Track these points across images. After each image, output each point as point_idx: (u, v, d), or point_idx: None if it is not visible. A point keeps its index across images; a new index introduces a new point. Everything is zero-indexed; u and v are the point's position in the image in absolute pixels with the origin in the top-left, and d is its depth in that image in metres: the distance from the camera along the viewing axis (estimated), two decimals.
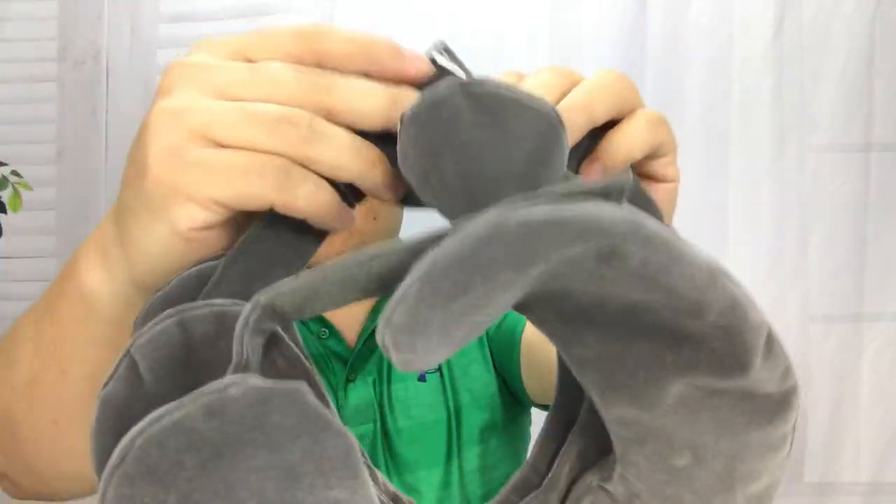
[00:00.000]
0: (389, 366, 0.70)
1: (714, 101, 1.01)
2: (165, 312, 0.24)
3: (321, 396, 0.26)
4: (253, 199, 0.25)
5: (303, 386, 0.20)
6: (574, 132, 0.29)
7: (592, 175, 0.30)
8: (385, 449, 0.68)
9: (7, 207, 1.06)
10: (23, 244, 1.06)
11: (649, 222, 0.22)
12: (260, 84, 0.25)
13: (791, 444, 0.28)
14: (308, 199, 0.25)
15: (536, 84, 0.32)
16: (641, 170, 0.33)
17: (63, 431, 0.34)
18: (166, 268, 0.27)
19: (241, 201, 0.25)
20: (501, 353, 0.72)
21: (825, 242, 1.00)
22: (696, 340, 0.24)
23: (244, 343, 0.22)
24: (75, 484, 0.38)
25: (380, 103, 0.26)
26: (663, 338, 0.24)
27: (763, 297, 1.10)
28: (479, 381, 0.73)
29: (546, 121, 0.26)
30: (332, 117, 0.25)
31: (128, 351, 0.23)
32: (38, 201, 1.06)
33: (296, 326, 0.29)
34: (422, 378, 0.71)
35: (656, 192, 0.33)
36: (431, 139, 0.25)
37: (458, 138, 0.25)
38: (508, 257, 0.20)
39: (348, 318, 0.76)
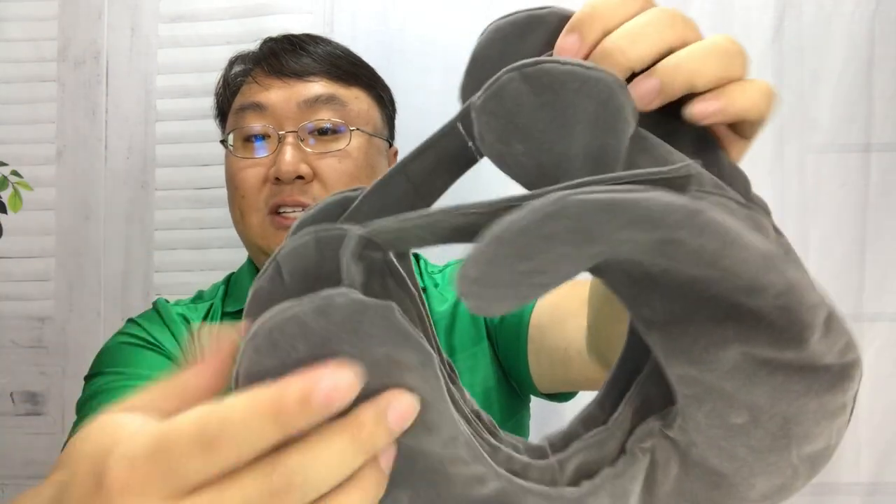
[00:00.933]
0: None
1: None
2: (306, 230, 0.28)
3: (419, 317, 0.32)
4: None
5: (392, 305, 0.24)
6: (669, 94, 0.29)
7: (647, 94, 0.28)
8: None
9: (7, 207, 1.06)
10: (23, 244, 1.06)
11: (708, 210, 0.24)
12: None
13: (851, 412, 0.29)
14: None
15: (644, 33, 0.29)
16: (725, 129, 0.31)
17: None
18: None
19: None
20: (508, 340, 0.72)
21: (825, 242, 1.00)
22: (755, 316, 0.26)
23: (346, 265, 0.26)
24: None
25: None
26: (724, 310, 0.26)
27: None
28: (478, 374, 0.73)
29: (606, 89, 0.27)
30: None
31: (275, 257, 0.28)
32: (38, 201, 1.07)
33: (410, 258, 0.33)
34: None
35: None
36: (500, 126, 0.27)
37: (522, 122, 0.27)
38: (567, 234, 0.23)
39: None
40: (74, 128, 1.06)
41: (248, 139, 0.75)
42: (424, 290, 0.79)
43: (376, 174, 0.78)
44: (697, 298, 0.27)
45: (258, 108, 0.74)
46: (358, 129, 0.75)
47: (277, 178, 0.72)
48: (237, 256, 0.99)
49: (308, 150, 0.73)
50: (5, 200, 1.06)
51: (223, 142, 0.80)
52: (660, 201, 0.23)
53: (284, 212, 0.73)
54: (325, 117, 0.73)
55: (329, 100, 0.73)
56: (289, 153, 0.71)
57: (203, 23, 1.06)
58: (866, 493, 1.00)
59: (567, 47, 0.29)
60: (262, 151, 0.74)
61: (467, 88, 0.31)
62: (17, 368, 1.06)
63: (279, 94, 0.73)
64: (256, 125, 0.74)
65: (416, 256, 0.85)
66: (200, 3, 1.05)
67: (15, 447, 1.05)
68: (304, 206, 0.72)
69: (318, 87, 0.74)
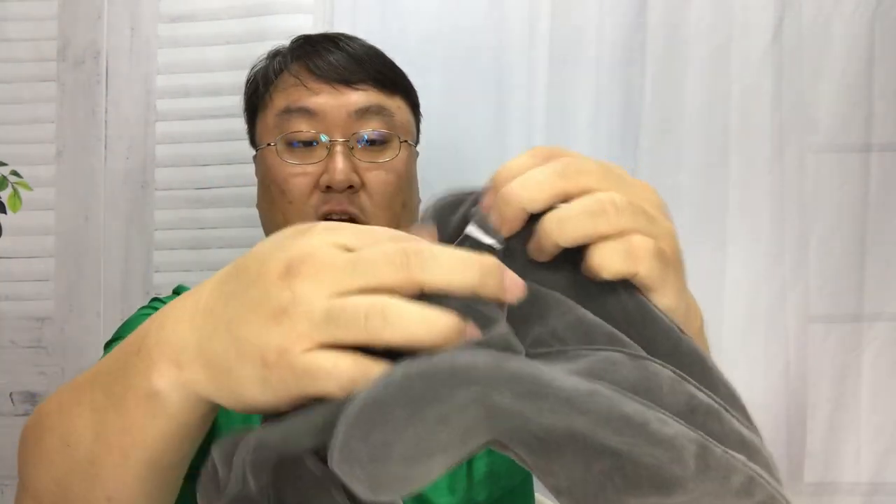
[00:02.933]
0: None
1: (714, 101, 1.01)
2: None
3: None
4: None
5: None
6: (544, 251, 0.33)
7: (533, 250, 0.33)
8: None
9: (7, 207, 1.06)
10: (23, 244, 1.06)
11: (512, 362, 0.26)
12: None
13: None
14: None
15: (537, 181, 0.33)
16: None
17: None
18: (254, 409, 0.31)
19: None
20: None
21: (825, 242, 1.00)
22: (628, 458, 0.26)
23: (245, 474, 0.29)
24: None
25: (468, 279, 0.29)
26: (605, 458, 0.27)
27: (763, 297, 1.11)
28: None
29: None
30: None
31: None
32: (38, 201, 1.07)
33: None
34: None
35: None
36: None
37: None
38: (399, 401, 0.26)
39: None
40: (74, 128, 1.06)
41: (292, 143, 0.74)
42: None
43: (414, 184, 0.79)
44: (584, 453, 0.27)
45: (307, 112, 0.73)
46: (406, 141, 0.76)
47: (328, 187, 0.72)
48: (237, 256, 0.99)
49: (357, 158, 0.73)
50: (5, 200, 1.06)
51: (254, 142, 0.79)
52: (472, 360, 0.25)
53: (332, 219, 0.73)
54: (374, 127, 0.73)
55: (379, 110, 0.74)
56: (342, 162, 0.71)
57: (203, 23, 1.06)
58: (866, 493, 1.00)
59: (485, 203, 0.34)
60: (311, 157, 0.73)
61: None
62: (16, 368, 1.06)
63: (329, 101, 0.73)
64: (307, 130, 0.73)
65: None
66: (200, 3, 1.05)
67: (15, 447, 1.04)
68: (351, 215, 0.72)
69: (367, 96, 0.74)
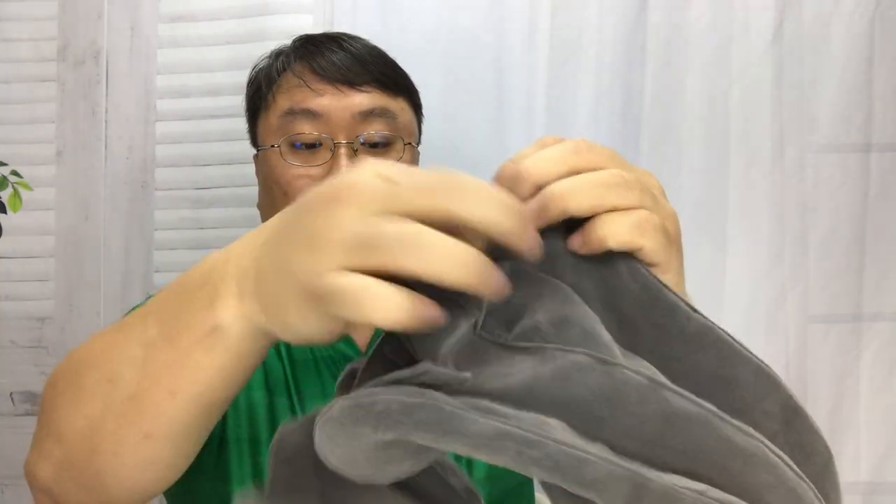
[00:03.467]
0: None
1: (714, 101, 1.01)
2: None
3: None
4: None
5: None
6: (546, 217, 0.33)
7: (530, 213, 0.33)
8: None
9: (7, 207, 1.06)
10: (23, 244, 1.06)
11: (421, 410, 0.27)
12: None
13: None
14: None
15: (547, 165, 0.34)
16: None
17: (153, 445, 0.37)
18: (307, 342, 0.33)
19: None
20: None
21: (825, 242, 1.00)
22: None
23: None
24: (136, 496, 0.41)
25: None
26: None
27: (763, 297, 1.10)
28: None
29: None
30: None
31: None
32: (38, 201, 1.07)
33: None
34: None
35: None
36: None
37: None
38: (339, 432, 0.29)
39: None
40: (74, 128, 1.06)
41: (295, 145, 0.73)
42: None
43: None
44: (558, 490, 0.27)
45: (311, 114, 0.72)
46: (410, 143, 0.76)
47: None
48: None
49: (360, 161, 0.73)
50: (5, 200, 1.06)
51: (255, 142, 0.79)
52: (380, 406, 0.27)
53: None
54: (378, 129, 0.73)
55: (382, 112, 0.73)
56: (346, 164, 0.71)
57: (203, 23, 1.06)
58: (866, 493, 1.00)
59: (507, 173, 0.34)
60: (315, 159, 0.73)
61: None
62: (17, 368, 1.06)
63: (333, 103, 0.72)
64: (310, 132, 0.73)
65: None
66: (200, 3, 1.05)
67: (15, 447, 1.04)
68: None
69: (371, 98, 0.73)
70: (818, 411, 1.00)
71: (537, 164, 0.33)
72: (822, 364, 1.00)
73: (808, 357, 1.00)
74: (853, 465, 0.99)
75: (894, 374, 1.00)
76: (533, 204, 0.32)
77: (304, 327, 0.32)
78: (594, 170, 0.33)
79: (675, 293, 0.32)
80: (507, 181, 0.33)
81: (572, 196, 0.32)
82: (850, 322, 1.00)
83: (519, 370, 0.29)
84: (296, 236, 0.32)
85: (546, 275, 0.32)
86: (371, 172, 0.31)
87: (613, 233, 0.32)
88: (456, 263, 0.28)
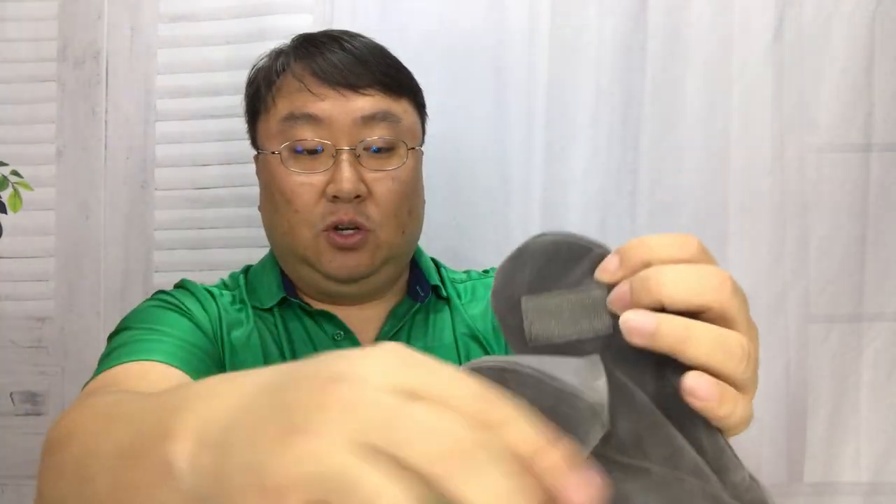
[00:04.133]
0: None
1: (714, 101, 1.01)
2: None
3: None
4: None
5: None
6: (637, 301, 0.32)
7: (618, 300, 0.33)
8: None
9: (7, 207, 1.06)
10: (22, 244, 1.06)
11: None
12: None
13: None
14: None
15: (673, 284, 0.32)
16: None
17: None
18: None
19: None
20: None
21: (825, 242, 1.00)
22: None
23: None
24: None
25: None
26: None
27: (763, 297, 1.10)
28: None
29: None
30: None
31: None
32: (38, 201, 1.06)
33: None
34: None
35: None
36: None
37: None
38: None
39: (364, 322, 0.75)
40: (74, 128, 1.06)
41: (296, 149, 0.72)
42: (448, 299, 0.80)
43: (420, 190, 0.78)
44: None
45: (312, 119, 0.71)
46: (414, 147, 0.74)
47: (335, 196, 0.70)
48: (237, 256, 0.99)
49: (363, 167, 0.71)
50: (5, 200, 1.06)
51: (255, 143, 0.78)
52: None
53: (341, 229, 0.72)
54: (381, 134, 0.72)
55: (385, 116, 0.72)
56: (349, 171, 0.70)
57: (203, 23, 1.06)
58: (866, 493, 1.00)
59: (609, 267, 0.33)
60: (316, 166, 0.72)
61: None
62: (16, 368, 1.06)
63: (335, 108, 0.71)
64: (312, 139, 0.71)
65: (436, 263, 0.85)
66: (200, 3, 1.05)
67: (15, 447, 1.04)
68: (359, 225, 0.71)
69: (374, 102, 0.72)
70: (818, 411, 1.00)
71: (674, 283, 0.31)
72: (823, 364, 1.00)
73: (809, 357, 1.00)
74: (853, 465, 0.99)
75: (894, 374, 1.00)
76: (620, 289, 0.32)
77: None
78: (720, 314, 0.31)
79: (739, 462, 0.32)
80: (636, 277, 0.32)
81: (687, 342, 0.30)
82: (851, 322, 1.00)
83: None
84: (265, 416, 0.26)
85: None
86: (382, 370, 0.25)
87: (732, 413, 0.31)
88: None
